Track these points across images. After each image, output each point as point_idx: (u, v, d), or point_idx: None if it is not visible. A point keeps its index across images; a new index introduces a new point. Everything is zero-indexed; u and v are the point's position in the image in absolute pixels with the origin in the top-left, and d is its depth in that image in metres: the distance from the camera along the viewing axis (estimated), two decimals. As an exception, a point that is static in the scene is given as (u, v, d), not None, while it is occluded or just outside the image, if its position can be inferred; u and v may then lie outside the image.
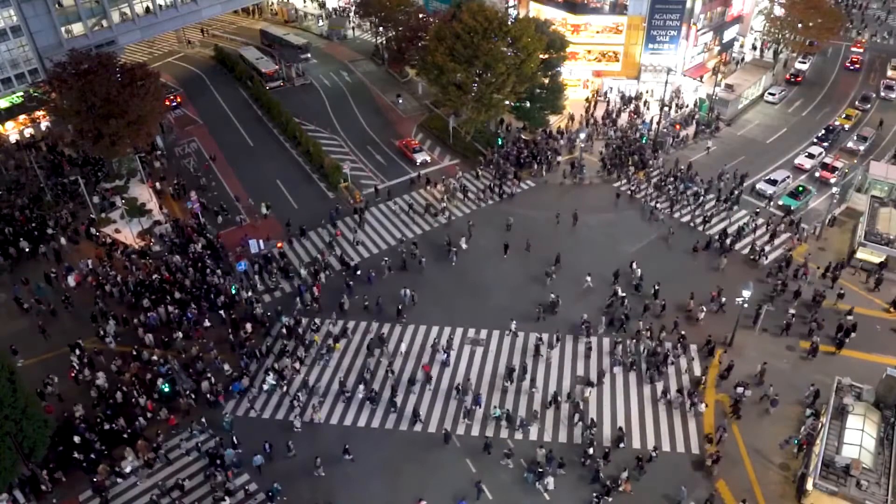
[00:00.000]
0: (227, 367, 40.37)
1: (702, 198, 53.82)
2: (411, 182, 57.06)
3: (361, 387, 39.10)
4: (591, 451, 35.03)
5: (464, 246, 48.95)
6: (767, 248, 48.80)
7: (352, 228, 51.83)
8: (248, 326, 42.77)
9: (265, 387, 39.34)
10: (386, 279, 46.81)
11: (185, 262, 47.47)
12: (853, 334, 41.14)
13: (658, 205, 53.61)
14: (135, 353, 40.77)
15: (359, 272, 47.20)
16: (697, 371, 40.26)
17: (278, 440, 35.95)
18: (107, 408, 37.45)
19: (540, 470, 34.16)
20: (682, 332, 41.72)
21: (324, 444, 36.37)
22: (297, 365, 40.67)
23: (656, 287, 44.56)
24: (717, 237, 49.70)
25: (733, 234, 50.24)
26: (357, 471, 35.17)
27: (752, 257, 48.27)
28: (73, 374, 39.66)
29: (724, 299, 43.77)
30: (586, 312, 43.01)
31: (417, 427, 37.32)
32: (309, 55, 75.77)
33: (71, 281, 45.79)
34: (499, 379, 39.91)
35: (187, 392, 38.56)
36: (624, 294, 44.38)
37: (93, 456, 34.82)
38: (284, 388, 39.42)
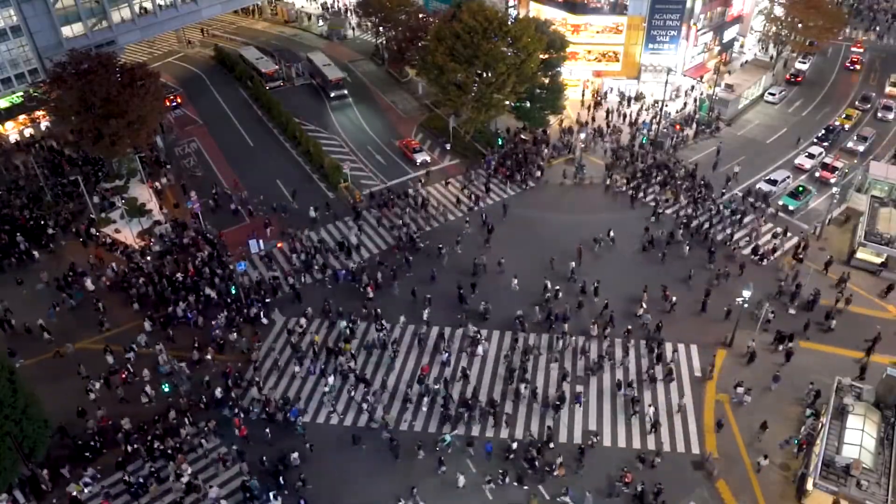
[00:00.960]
0: (297, 369, 40.28)
1: (740, 215, 51.67)
2: (372, 196, 55.20)
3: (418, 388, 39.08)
4: (514, 446, 35.28)
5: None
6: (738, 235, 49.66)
7: (399, 212, 52.78)
8: (303, 321, 43.04)
9: (325, 389, 39.07)
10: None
11: (204, 262, 47.34)
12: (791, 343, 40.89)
13: (688, 221, 51.33)
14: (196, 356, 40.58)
15: (421, 247, 48.54)
16: (633, 367, 40.58)
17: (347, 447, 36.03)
18: (160, 427, 36.52)
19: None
20: (629, 328, 41.96)
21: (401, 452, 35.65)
22: (352, 364, 40.45)
23: (596, 285, 44.77)
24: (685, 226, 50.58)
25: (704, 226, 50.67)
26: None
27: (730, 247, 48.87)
28: (124, 376, 39.19)
29: (674, 298, 43.94)
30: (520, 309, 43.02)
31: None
32: (345, 91, 70.71)
33: (89, 284, 45.51)
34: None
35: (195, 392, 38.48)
36: (558, 287, 44.69)
37: (141, 479, 34.14)
38: (352, 393, 39.02)
